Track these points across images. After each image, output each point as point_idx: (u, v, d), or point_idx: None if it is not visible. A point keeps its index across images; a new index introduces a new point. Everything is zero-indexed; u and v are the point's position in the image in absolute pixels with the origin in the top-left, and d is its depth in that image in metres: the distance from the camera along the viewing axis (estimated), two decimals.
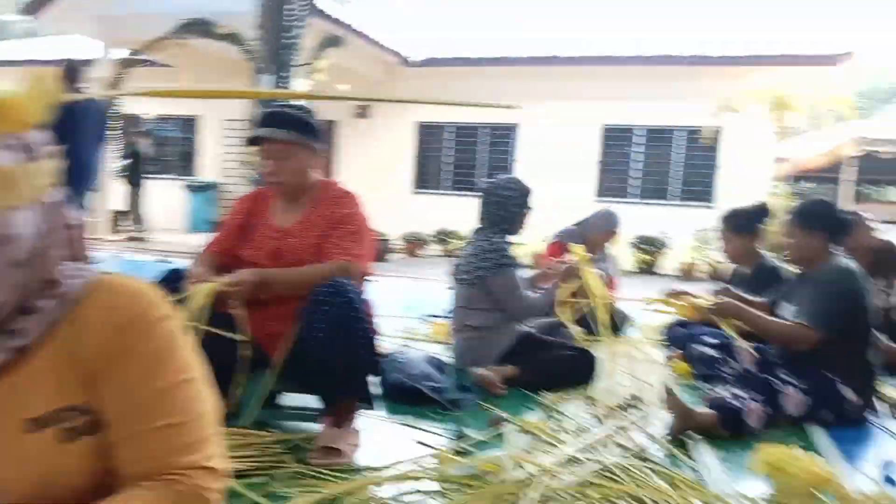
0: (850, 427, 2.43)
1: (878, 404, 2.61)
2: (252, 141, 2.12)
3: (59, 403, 0.80)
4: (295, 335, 1.95)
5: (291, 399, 2.35)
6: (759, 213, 3.34)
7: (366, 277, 2.10)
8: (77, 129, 5.73)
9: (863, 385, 2.49)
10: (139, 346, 0.82)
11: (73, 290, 0.83)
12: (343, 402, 2.02)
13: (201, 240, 2.43)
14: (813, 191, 16.41)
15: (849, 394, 2.44)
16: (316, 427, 2.10)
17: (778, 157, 10.11)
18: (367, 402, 2.05)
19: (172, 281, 2.03)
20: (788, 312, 2.58)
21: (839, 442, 2.27)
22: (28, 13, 9.81)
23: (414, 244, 10.50)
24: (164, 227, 10.62)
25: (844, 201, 8.91)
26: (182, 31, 8.17)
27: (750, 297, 2.82)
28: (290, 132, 2.04)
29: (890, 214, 10.21)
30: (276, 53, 6.47)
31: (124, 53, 9.27)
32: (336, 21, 8.90)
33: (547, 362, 2.76)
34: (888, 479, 1.91)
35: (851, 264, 2.53)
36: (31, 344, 0.80)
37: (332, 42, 8.34)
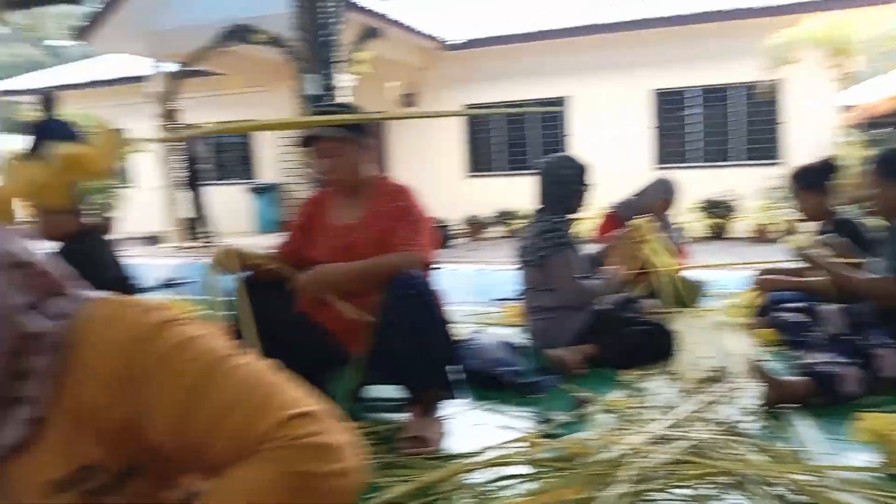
0: None
1: None
2: (305, 141, 2.16)
3: (74, 465, 0.75)
4: (375, 328, 1.98)
5: (375, 391, 2.38)
6: (826, 168, 3.19)
7: (431, 267, 2.12)
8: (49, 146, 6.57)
9: None
10: (148, 366, 0.74)
11: (60, 337, 0.75)
12: (427, 392, 2.04)
13: (273, 240, 2.50)
14: (889, 136, 15.56)
15: None
16: (401, 417, 2.12)
17: (843, 105, 9.62)
18: (450, 390, 2.06)
19: (253, 284, 2.09)
20: (879, 268, 2.46)
21: None
22: (80, 38, 10.17)
23: (475, 227, 10.51)
24: (233, 230, 10.91)
25: None
26: (224, 39, 8.34)
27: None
28: (338, 129, 2.08)
29: None
30: (317, 52, 6.52)
31: (173, 67, 9.53)
32: (372, 13, 8.94)
33: (625, 339, 2.72)
34: None
35: None
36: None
37: (370, 34, 8.36)
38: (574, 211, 2.94)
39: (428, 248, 2.10)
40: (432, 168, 11.37)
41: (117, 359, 0.74)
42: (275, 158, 11.56)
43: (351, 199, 2.18)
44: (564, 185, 2.88)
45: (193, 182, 10.20)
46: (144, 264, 6.36)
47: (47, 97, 6.50)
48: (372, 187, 2.19)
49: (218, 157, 12.27)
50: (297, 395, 0.77)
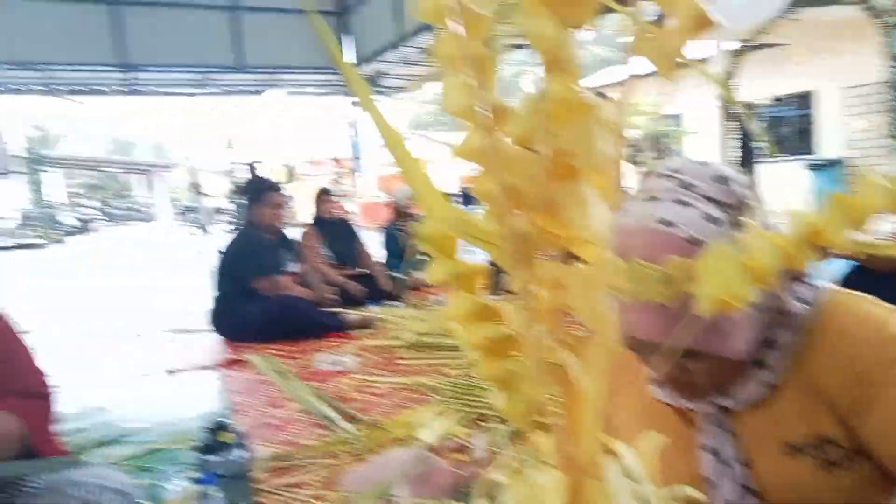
0: None
1: None
2: None
3: (812, 433, 0.79)
4: None
5: None
6: None
7: None
8: None
9: None
10: (886, 376, 0.75)
11: (803, 318, 0.80)
12: None
13: None
14: None
15: None
16: None
17: None
18: None
19: (857, 278, 1.98)
20: None
21: None
22: None
23: None
24: (785, 210, 10.42)
25: None
26: (797, 5, 7.87)
27: None
28: None
29: None
30: None
31: (734, 45, 9.49)
32: None
33: None
34: None
35: None
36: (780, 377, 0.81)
37: None
38: None
39: None
40: None
41: (855, 355, 0.77)
42: (840, 130, 10.47)
43: None
44: None
45: (747, 160, 10.04)
46: None
47: None
48: None
49: (774, 132, 11.72)
50: None
